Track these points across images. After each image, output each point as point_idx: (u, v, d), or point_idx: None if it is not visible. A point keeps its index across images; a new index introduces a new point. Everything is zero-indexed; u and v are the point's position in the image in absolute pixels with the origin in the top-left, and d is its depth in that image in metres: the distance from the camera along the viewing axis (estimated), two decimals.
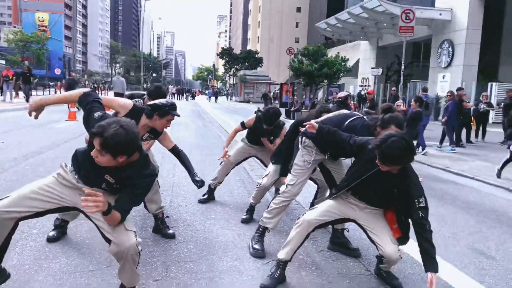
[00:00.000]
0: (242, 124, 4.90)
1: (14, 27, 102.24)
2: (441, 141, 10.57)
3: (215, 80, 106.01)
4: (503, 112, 12.41)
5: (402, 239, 2.94)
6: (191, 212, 4.58)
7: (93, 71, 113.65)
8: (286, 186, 3.52)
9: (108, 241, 2.42)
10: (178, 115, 3.38)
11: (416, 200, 2.67)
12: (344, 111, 3.87)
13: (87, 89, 2.94)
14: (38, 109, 2.92)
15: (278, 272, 2.95)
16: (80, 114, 15.87)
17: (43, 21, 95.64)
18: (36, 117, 2.97)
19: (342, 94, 8.95)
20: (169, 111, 3.25)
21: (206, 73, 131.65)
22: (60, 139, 9.44)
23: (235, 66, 65.11)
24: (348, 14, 27.63)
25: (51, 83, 52.26)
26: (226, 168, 5.06)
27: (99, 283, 2.82)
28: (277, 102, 35.88)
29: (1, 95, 21.63)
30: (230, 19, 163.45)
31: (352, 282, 3.06)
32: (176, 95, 52.96)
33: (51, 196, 2.51)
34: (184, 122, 15.31)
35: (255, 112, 4.90)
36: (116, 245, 2.37)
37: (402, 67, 13.58)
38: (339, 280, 3.10)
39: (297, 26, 78.94)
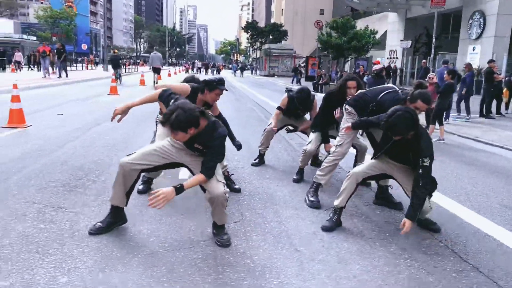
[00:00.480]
0: (280, 108, 5.44)
1: (42, 3, 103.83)
2: (468, 112, 10.95)
3: (238, 54, 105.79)
4: None
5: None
6: (248, 173, 5.19)
7: (118, 46, 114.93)
8: (335, 147, 4.10)
9: (204, 190, 3.04)
10: (226, 90, 4.04)
11: (421, 159, 3.19)
12: (388, 85, 4.41)
13: (162, 88, 3.46)
14: (123, 113, 3.48)
15: (335, 217, 3.54)
16: (120, 89, 16.64)
17: None
18: (119, 120, 3.55)
19: (377, 67, 9.32)
20: (217, 86, 3.91)
21: (229, 47, 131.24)
22: (110, 111, 10.14)
23: (260, 40, 64.84)
24: None
25: (79, 59, 53.54)
26: (269, 135, 5.64)
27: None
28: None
29: (38, 70, 22.66)
30: None
31: (398, 228, 3.61)
32: (201, 69, 53.54)
33: (166, 153, 3.15)
34: None
35: (286, 91, 5.45)
36: (209, 193, 2.99)
37: (433, 40, 13.68)
38: (386, 226, 3.66)
39: None
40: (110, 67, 24.74)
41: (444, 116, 8.96)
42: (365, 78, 10.28)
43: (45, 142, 6.26)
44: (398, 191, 3.93)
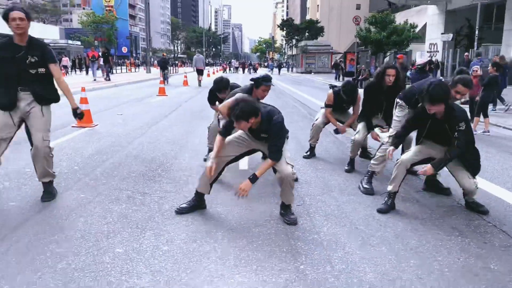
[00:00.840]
0: (328, 105, 5.80)
1: (83, 8, 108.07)
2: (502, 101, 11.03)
3: (273, 52, 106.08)
4: None
5: (474, 170, 3.81)
6: (301, 164, 5.61)
7: (156, 48, 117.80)
8: (388, 137, 4.44)
9: (275, 171, 3.50)
10: (272, 85, 4.53)
11: (457, 126, 3.56)
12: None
13: (219, 129, 3.75)
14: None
15: (390, 201, 3.91)
16: (167, 89, 17.43)
17: (109, 1, 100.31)
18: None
19: (421, 61, 9.48)
20: (262, 82, 4.38)
21: (264, 45, 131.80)
22: (163, 111, 10.86)
23: (296, 37, 64.94)
24: None
25: (120, 61, 55.51)
26: (318, 130, 6.01)
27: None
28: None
29: (86, 74, 23.84)
30: None
31: (448, 211, 3.93)
32: (238, 68, 54.33)
33: (245, 142, 3.65)
34: None
35: (330, 88, 5.81)
36: (279, 172, 3.44)
37: (476, 32, 13.57)
38: (437, 209, 3.99)
39: None
40: (151, 68, 25.76)
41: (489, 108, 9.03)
42: (408, 73, 10.41)
43: (115, 139, 6.94)
44: (448, 179, 4.24)
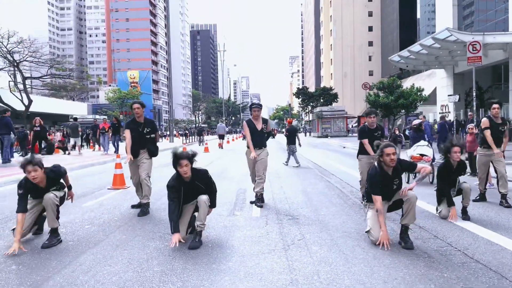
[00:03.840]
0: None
1: (110, 85, 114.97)
2: None
3: (291, 119, 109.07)
4: None
5: None
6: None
7: (178, 119, 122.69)
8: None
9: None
10: (257, 106, 6.67)
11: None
12: None
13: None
14: None
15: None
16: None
17: (134, 78, 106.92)
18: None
19: (416, 121, 10.49)
20: (252, 107, 6.64)
21: (281, 112, 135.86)
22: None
23: (311, 104, 67.36)
24: (420, 46, 28.66)
25: None
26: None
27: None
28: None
29: (99, 147, 22.40)
30: (302, 59, 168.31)
31: (424, 241, 4.73)
32: None
33: None
34: (276, 157, 17.52)
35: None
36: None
37: (474, 93, 14.65)
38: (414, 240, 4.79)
39: (370, 60, 79.85)
40: (174, 138, 27.60)
41: None
42: (407, 132, 11.39)
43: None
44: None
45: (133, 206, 6.85)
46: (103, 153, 20.16)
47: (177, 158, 4.51)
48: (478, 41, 14.93)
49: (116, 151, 20.05)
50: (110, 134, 20.50)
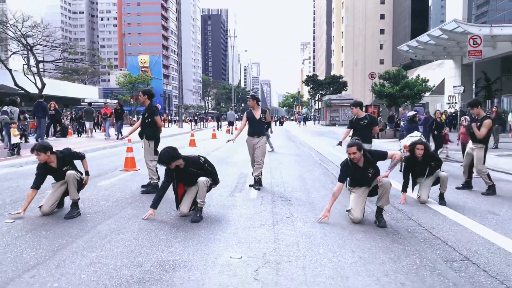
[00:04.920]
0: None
1: (121, 69, 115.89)
2: None
3: (300, 106, 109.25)
4: None
5: None
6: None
7: (188, 105, 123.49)
8: None
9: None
10: (249, 96, 7.18)
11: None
12: None
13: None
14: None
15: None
16: (198, 142, 19.38)
17: (144, 62, 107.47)
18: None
19: (411, 113, 11.06)
20: (248, 97, 6.62)
21: (291, 99, 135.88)
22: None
23: (320, 92, 67.62)
24: (428, 36, 28.87)
25: None
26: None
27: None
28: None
29: (98, 131, 22.67)
30: (314, 46, 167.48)
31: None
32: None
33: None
34: (280, 145, 18.19)
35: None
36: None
37: (473, 86, 15.06)
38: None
39: (381, 48, 79.49)
40: (184, 124, 28.24)
41: None
42: (402, 123, 11.94)
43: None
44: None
45: (143, 186, 7.56)
46: (106, 138, 19.81)
47: (163, 163, 5.28)
48: (479, 35, 15.29)
49: (118, 137, 19.36)
50: (114, 120, 20.36)
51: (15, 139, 11.65)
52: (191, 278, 3.44)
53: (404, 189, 6.59)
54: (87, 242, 4.39)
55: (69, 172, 5.47)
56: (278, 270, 3.62)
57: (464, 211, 5.99)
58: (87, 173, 5.85)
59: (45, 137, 17.14)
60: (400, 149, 8.39)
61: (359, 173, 5.28)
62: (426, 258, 3.99)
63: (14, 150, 11.79)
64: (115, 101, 69.03)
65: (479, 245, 4.42)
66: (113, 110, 20.66)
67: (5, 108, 12.93)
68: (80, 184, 5.66)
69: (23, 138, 16.01)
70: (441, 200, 6.43)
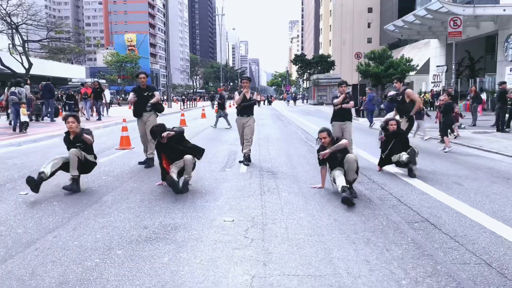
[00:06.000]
0: None
1: (107, 48, 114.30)
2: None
3: (289, 86, 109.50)
4: None
5: None
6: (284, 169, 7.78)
7: (176, 84, 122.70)
8: None
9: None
10: (245, 78, 7.74)
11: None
12: None
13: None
14: None
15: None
16: (188, 121, 19.79)
17: (131, 41, 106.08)
18: None
19: (391, 93, 11.67)
20: (241, 78, 7.08)
21: (280, 79, 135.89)
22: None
23: (308, 71, 67.98)
24: (414, 16, 29.37)
25: None
26: None
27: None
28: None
29: (80, 113, 20.56)
30: (302, 24, 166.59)
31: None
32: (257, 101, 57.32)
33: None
34: (268, 124, 18.76)
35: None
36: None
37: (453, 66, 15.74)
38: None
39: (369, 27, 79.55)
40: (172, 103, 28.21)
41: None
42: (384, 103, 12.59)
43: None
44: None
45: (140, 163, 8.10)
46: (86, 119, 19.15)
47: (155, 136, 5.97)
48: (459, 17, 15.88)
49: (99, 117, 19.63)
50: (93, 100, 19.88)
51: (24, 118, 12.77)
52: (191, 237, 4.05)
53: (381, 164, 7.29)
54: (96, 210, 4.96)
55: (72, 149, 5.94)
56: (264, 230, 4.25)
57: (433, 182, 6.68)
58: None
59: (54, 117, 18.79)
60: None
61: (329, 156, 5.89)
62: (392, 220, 4.65)
63: (22, 128, 12.97)
64: (103, 81, 68.77)
65: (439, 209, 5.10)
66: (92, 90, 20.05)
67: (12, 89, 13.77)
68: (86, 168, 6.14)
69: (37, 117, 18.40)
70: (410, 173, 7.11)
